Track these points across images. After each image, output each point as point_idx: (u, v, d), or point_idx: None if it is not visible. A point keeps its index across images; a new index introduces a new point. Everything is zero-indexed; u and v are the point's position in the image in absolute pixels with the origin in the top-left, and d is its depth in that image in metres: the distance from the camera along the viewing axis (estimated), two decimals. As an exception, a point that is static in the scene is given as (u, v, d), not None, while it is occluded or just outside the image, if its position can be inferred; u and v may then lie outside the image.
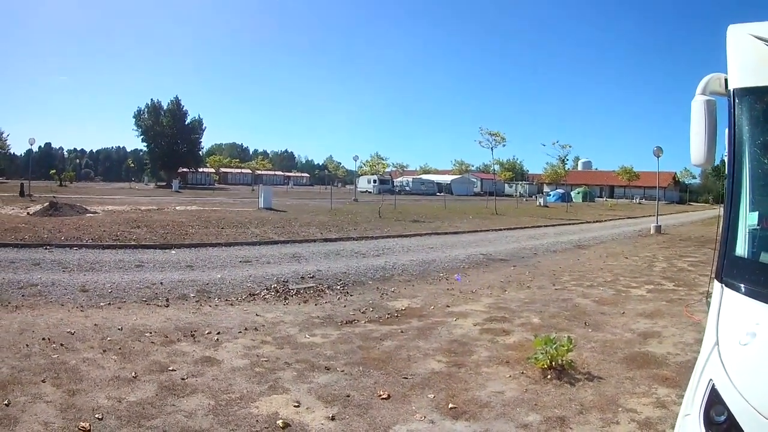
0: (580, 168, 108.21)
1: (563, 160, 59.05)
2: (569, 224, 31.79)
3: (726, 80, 3.08)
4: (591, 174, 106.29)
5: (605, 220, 37.13)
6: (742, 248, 2.88)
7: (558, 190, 71.57)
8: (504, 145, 41.70)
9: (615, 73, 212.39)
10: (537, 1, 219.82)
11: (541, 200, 57.74)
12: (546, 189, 79.50)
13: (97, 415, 4.61)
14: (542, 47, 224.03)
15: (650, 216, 34.20)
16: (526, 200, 69.44)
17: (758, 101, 2.97)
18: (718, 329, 2.70)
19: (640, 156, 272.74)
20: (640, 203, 72.19)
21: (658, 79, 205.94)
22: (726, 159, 3.03)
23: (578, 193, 79.70)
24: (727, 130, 3.03)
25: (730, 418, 2.42)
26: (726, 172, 3.01)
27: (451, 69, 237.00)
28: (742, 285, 2.73)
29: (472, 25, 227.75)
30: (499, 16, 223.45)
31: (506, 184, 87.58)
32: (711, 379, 2.58)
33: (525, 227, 28.03)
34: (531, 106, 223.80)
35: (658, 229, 26.81)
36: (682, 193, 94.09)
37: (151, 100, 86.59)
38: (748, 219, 2.90)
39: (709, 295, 2.99)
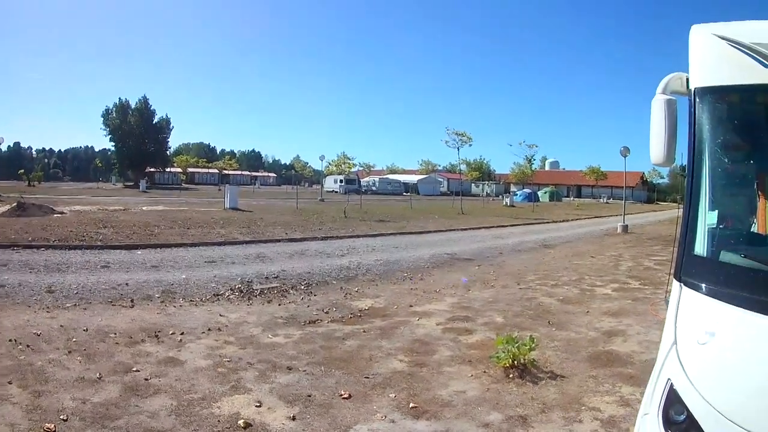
0: (547, 168, 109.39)
1: (530, 160, 59.78)
2: (535, 224, 32.05)
3: (687, 79, 3.06)
4: (558, 174, 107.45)
5: (572, 220, 37.50)
6: (701, 247, 2.85)
7: (525, 190, 72.06)
8: (470, 145, 42.01)
9: (583, 73, 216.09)
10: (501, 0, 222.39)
11: (508, 200, 57.98)
12: (513, 189, 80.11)
13: (62, 416, 4.65)
14: (509, 47, 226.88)
15: (617, 215, 34.52)
16: (493, 200, 69.78)
17: (719, 100, 2.95)
18: (677, 328, 2.69)
19: (609, 156, 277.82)
20: (607, 203, 72.92)
21: (626, 79, 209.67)
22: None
23: (545, 192, 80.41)
24: (687, 130, 3.02)
25: (690, 417, 2.41)
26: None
27: (418, 69, 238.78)
28: (701, 284, 2.71)
29: (438, 24, 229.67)
30: (464, 14, 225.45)
31: (473, 184, 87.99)
32: (669, 379, 2.57)
33: (491, 227, 28.13)
34: (498, 106, 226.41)
35: (625, 228, 27.17)
36: (650, 192, 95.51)
37: (119, 99, 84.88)
38: (707, 218, 2.88)
39: (668, 294, 2.98)
